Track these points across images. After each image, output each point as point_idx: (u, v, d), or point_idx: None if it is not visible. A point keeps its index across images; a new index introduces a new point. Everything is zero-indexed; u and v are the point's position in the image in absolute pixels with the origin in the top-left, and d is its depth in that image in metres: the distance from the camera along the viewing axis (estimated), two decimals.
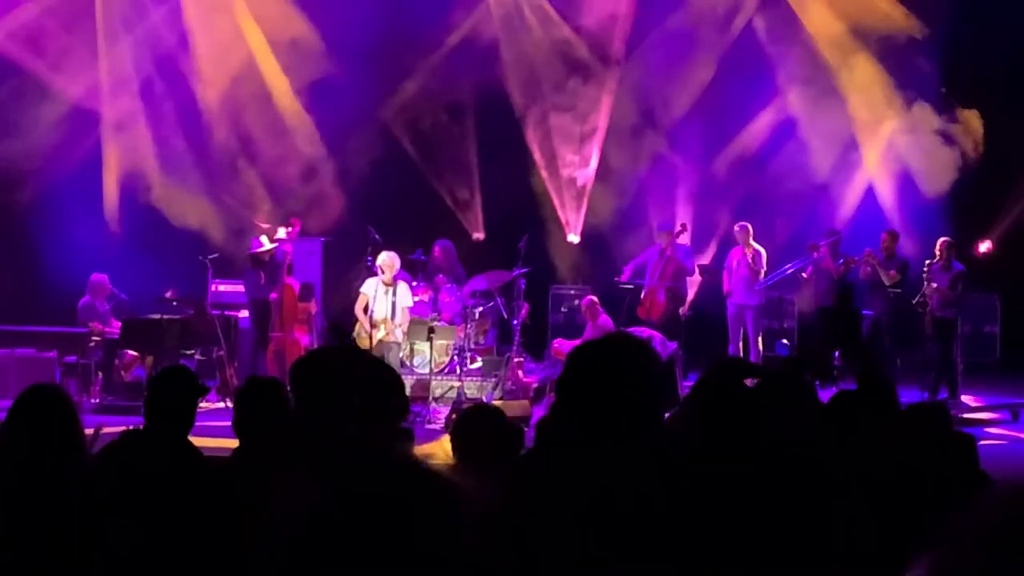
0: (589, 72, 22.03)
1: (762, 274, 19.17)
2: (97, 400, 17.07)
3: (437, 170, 22.44)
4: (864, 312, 18.51)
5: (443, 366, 18.39)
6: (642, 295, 19.22)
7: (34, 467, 5.53)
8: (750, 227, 19.32)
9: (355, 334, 17.59)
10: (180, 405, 6.25)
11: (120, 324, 17.88)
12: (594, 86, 21.98)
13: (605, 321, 17.90)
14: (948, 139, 20.59)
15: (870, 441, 5.46)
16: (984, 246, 20.49)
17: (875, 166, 21.31)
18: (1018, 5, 20.34)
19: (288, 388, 6.12)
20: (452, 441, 6.00)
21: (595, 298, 18.32)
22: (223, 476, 5.87)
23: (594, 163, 22.10)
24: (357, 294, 17.51)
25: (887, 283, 18.07)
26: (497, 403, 14.90)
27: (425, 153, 22.39)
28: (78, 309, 18.28)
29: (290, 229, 18.92)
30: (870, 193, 21.36)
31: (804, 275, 18.90)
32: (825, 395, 6.14)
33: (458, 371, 17.55)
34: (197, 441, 6.41)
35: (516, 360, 17.45)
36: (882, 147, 21.21)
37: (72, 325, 18.28)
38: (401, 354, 17.78)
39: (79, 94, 20.99)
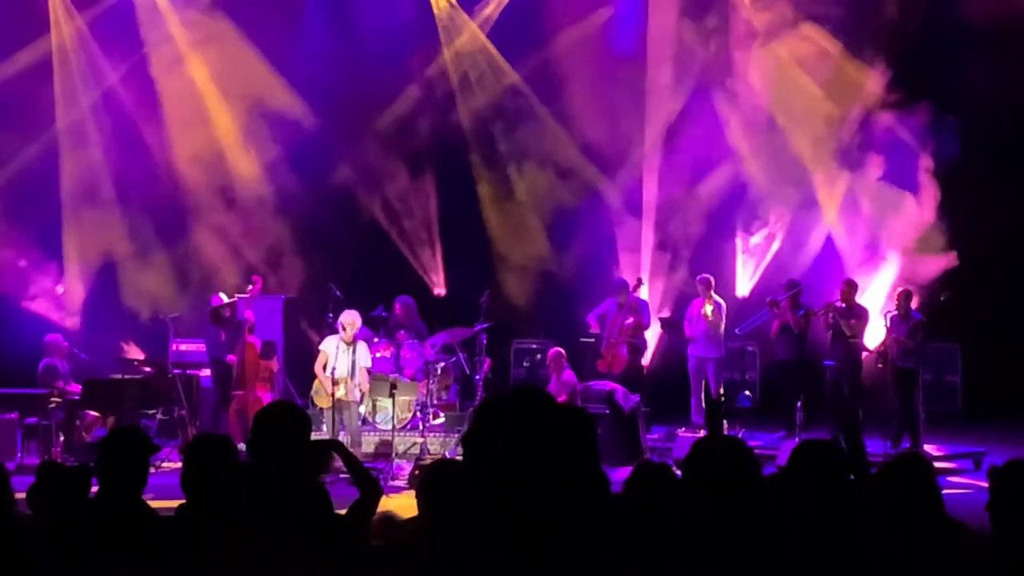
0: (540, 123, 22.14)
1: (721, 327, 19.23)
2: (58, 461, 16.81)
3: (398, 226, 22.46)
4: (826, 363, 18.54)
5: (406, 422, 18.31)
6: (603, 349, 19.23)
7: None
8: (712, 279, 19.38)
9: (314, 392, 17.55)
10: (132, 464, 6.20)
11: (80, 384, 17.80)
12: (547, 138, 22.10)
13: (569, 376, 17.85)
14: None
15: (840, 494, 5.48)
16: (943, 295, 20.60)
17: (833, 217, 21.45)
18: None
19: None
20: (417, 496, 5.97)
21: (562, 351, 18.26)
22: (174, 533, 5.83)
23: (552, 217, 22.20)
24: (317, 352, 17.50)
25: (848, 333, 18.10)
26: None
27: (385, 209, 22.41)
28: (39, 371, 18.15)
29: (251, 287, 18.88)
30: (829, 242, 21.50)
31: (773, 329, 18.93)
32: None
33: (421, 427, 17.49)
34: (158, 502, 6.37)
35: None
36: (840, 198, 21.35)
37: (32, 386, 18.12)
38: (363, 411, 17.73)
39: (37, 154, 21.01)
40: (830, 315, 18.28)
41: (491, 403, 3.82)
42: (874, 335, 18.52)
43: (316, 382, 17.42)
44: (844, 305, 18.31)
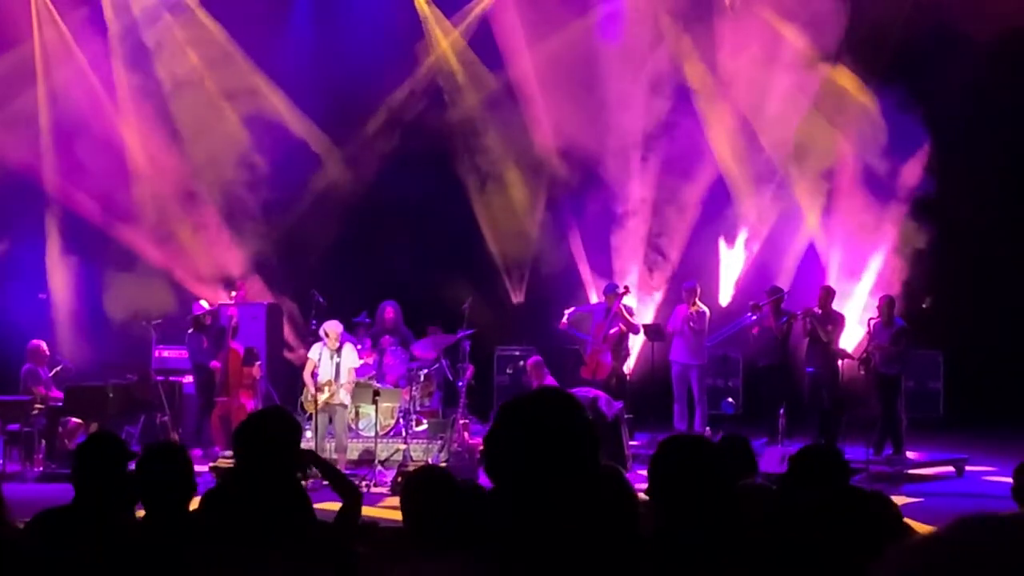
0: (525, 127, 22.15)
1: (704, 334, 19.25)
2: (40, 468, 16.78)
3: (382, 231, 22.46)
4: (807, 369, 18.56)
5: (389, 429, 18.30)
6: (586, 355, 19.26)
7: None
8: (698, 287, 19.41)
9: (303, 399, 17.52)
10: (108, 472, 6.15)
11: (63, 391, 17.75)
12: (532, 143, 22.12)
13: (550, 383, 17.85)
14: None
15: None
16: (926, 302, 20.65)
17: (815, 223, 21.52)
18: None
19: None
20: (401, 504, 5.96)
21: (541, 359, 18.31)
22: (150, 542, 5.81)
23: (537, 224, 22.23)
24: (304, 360, 17.50)
25: (824, 339, 18.13)
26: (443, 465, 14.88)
27: (370, 213, 22.40)
28: (21, 376, 18.10)
29: (235, 293, 18.87)
30: (811, 248, 21.57)
31: (753, 332, 19.00)
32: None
33: (404, 434, 17.46)
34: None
35: (462, 422, 17.38)
36: (821, 203, 21.42)
37: (13, 393, 18.07)
38: (348, 416, 17.70)
39: (20, 162, 20.98)
40: (807, 321, 18.31)
41: (512, 405, 3.80)
42: (850, 340, 18.56)
43: (305, 389, 17.40)
44: (821, 311, 18.34)
